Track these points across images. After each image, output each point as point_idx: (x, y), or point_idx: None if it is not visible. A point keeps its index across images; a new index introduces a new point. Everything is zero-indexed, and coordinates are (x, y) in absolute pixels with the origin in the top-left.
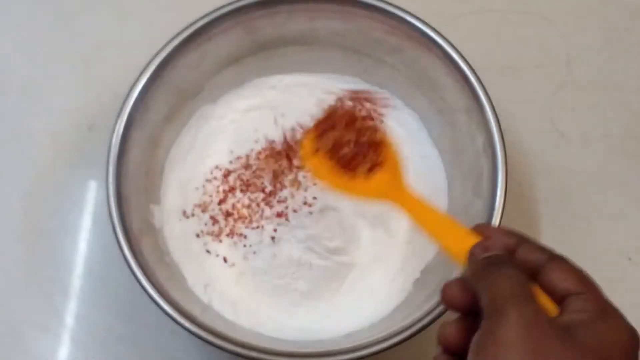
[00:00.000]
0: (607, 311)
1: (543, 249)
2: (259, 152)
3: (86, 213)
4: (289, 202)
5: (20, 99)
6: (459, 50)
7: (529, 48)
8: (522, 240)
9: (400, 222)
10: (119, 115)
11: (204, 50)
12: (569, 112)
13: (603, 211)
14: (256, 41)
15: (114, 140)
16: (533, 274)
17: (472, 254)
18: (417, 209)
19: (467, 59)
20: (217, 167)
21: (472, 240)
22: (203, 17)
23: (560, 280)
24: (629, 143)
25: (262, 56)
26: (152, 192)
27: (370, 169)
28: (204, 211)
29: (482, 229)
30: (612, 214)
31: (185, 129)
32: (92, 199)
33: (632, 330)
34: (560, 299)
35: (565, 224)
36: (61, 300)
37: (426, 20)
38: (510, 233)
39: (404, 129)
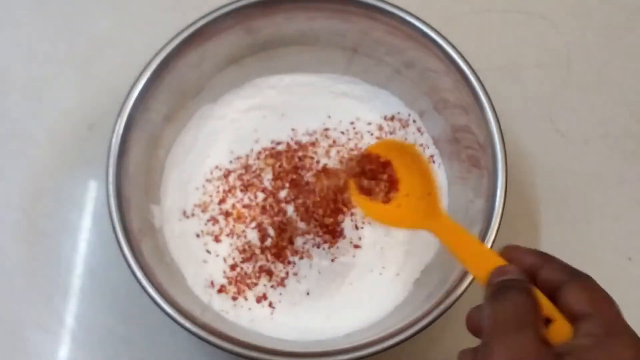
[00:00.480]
0: (613, 334)
1: (567, 268)
2: (259, 152)
3: (86, 213)
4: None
5: (20, 98)
6: (459, 50)
7: (529, 48)
8: (548, 259)
9: None
10: (119, 115)
11: (204, 50)
12: (569, 112)
13: (603, 211)
14: (256, 41)
15: (114, 140)
16: (554, 294)
17: (489, 278)
18: (451, 237)
19: (468, 59)
20: (217, 167)
21: (498, 263)
22: (203, 17)
23: (575, 301)
24: (629, 143)
25: (262, 56)
26: (152, 192)
27: (388, 192)
28: (204, 211)
29: (510, 251)
30: (612, 214)
31: (185, 129)
32: (92, 198)
33: None
34: (574, 321)
35: (565, 224)
36: (61, 300)
37: (426, 20)
38: (536, 253)
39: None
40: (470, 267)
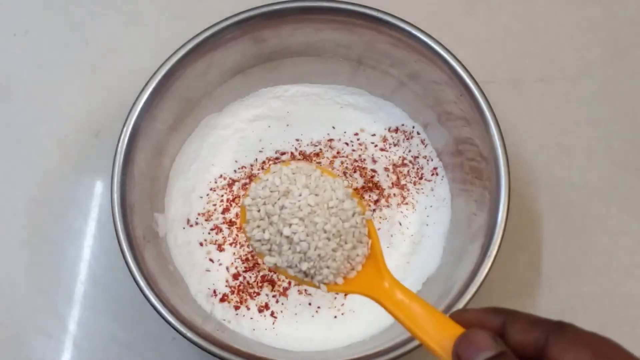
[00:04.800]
0: None
1: (538, 323)
2: (264, 162)
3: (90, 220)
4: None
5: (27, 104)
6: (464, 63)
7: (534, 62)
8: (510, 316)
9: (403, 236)
10: (125, 123)
11: (210, 60)
12: (573, 126)
13: (605, 225)
14: (262, 52)
15: (119, 148)
16: (537, 355)
17: (458, 352)
18: (397, 305)
19: (472, 72)
20: (221, 176)
21: (455, 332)
22: (210, 27)
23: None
24: (632, 157)
25: (268, 66)
26: (157, 200)
27: None
28: (207, 220)
29: (460, 315)
30: (615, 228)
31: (190, 138)
32: (96, 205)
33: None
34: None
35: (567, 237)
36: (64, 306)
37: (431, 33)
38: (493, 311)
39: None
40: (427, 339)
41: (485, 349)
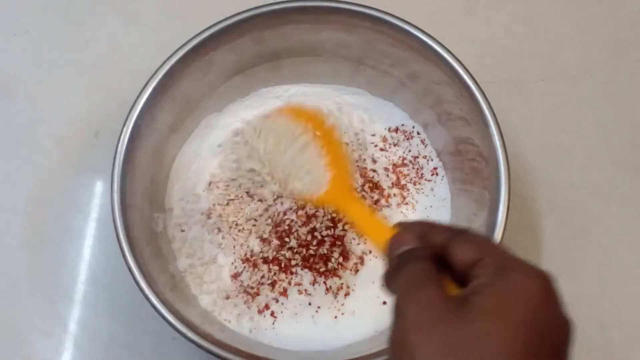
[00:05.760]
0: (507, 268)
1: (447, 229)
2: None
3: (90, 220)
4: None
5: (27, 104)
6: (464, 63)
7: (534, 62)
8: (432, 225)
9: None
10: (125, 123)
11: (210, 60)
12: (573, 126)
13: (605, 225)
14: (262, 51)
15: (119, 148)
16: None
17: (387, 248)
18: (356, 213)
19: (472, 73)
20: (221, 176)
21: (392, 232)
22: (210, 27)
23: (461, 255)
24: (632, 157)
25: (268, 66)
26: (157, 200)
27: None
28: (207, 220)
29: (400, 224)
30: (615, 228)
31: (190, 138)
32: (96, 205)
33: (539, 277)
34: (466, 274)
35: (567, 237)
36: (64, 306)
37: (431, 33)
38: (421, 223)
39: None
40: (372, 238)
41: (406, 243)
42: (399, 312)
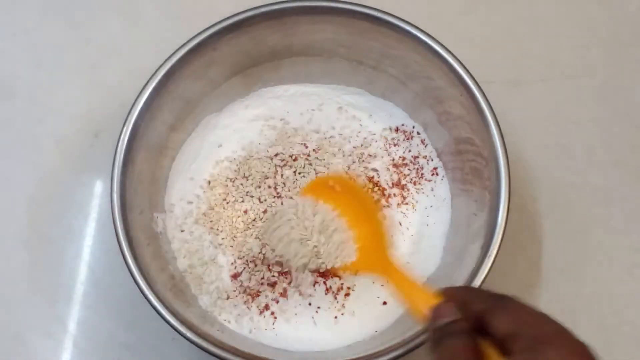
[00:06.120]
0: (542, 342)
1: (489, 296)
2: (263, 162)
3: (90, 220)
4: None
5: (27, 104)
6: (464, 63)
7: (534, 62)
8: (476, 292)
9: (403, 236)
10: (124, 123)
11: (210, 60)
12: (573, 126)
13: (605, 225)
14: (262, 51)
15: (119, 148)
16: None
17: (428, 319)
18: (397, 279)
19: (472, 72)
20: (221, 176)
21: (433, 302)
22: (210, 27)
23: (500, 325)
24: (633, 158)
25: (268, 66)
26: (157, 200)
27: None
28: (207, 220)
29: (442, 291)
30: (615, 228)
31: (190, 137)
32: (96, 205)
33: (576, 353)
34: (507, 345)
35: (567, 237)
36: (64, 306)
37: (431, 33)
38: (462, 289)
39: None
40: (412, 306)
41: (447, 316)
42: None
